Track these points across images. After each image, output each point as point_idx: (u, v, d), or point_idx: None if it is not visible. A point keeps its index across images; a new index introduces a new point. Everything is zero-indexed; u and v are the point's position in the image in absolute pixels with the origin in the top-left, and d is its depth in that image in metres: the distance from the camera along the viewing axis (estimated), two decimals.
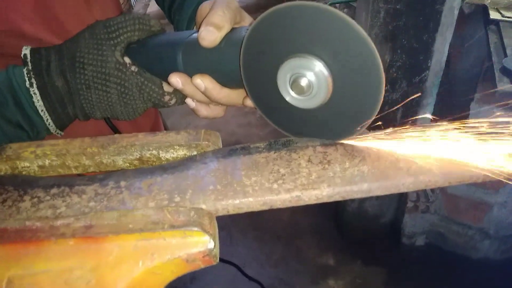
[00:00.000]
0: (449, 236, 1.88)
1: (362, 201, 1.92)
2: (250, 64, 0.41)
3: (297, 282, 1.88)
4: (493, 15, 1.50)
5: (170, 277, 0.33)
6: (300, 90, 0.37)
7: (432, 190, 1.77)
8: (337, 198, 0.36)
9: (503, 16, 1.49)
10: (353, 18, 0.55)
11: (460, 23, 1.50)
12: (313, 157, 0.39)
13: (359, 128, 0.38)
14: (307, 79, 0.36)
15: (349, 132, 0.39)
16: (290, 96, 0.38)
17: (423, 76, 1.52)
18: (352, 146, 0.40)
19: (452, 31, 1.41)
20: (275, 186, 0.37)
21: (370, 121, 0.37)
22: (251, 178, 0.38)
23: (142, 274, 0.32)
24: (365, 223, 1.98)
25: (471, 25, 1.58)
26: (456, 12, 1.35)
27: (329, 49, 0.35)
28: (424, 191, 1.80)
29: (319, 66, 0.36)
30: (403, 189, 0.36)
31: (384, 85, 0.35)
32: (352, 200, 1.92)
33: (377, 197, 1.91)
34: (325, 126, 0.41)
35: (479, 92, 1.44)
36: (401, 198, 1.88)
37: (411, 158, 0.37)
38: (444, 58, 1.48)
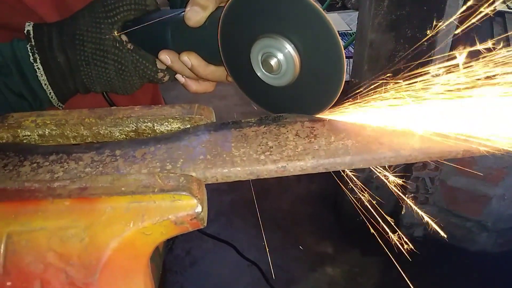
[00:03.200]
0: (447, 228, 1.89)
1: (361, 191, 1.93)
2: (227, 42, 0.43)
3: (295, 269, 1.91)
4: (499, 6, 1.49)
5: (160, 238, 0.35)
6: (269, 69, 0.40)
7: (432, 182, 1.78)
8: (321, 169, 0.37)
9: (508, 7, 1.48)
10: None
11: (465, 15, 1.49)
12: (301, 131, 0.41)
13: (325, 107, 0.41)
14: (277, 59, 0.39)
15: (318, 108, 0.42)
16: (262, 72, 0.41)
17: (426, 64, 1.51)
18: (339, 121, 0.41)
19: (456, 22, 1.40)
20: (262, 157, 0.38)
21: (334, 99, 0.40)
22: (240, 149, 0.39)
23: (133, 234, 0.34)
24: (364, 213, 2.00)
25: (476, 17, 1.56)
26: (461, 2, 1.35)
27: (298, 32, 0.38)
28: (424, 182, 1.81)
29: (288, 48, 0.38)
30: (384, 163, 0.37)
31: (344, 67, 0.38)
32: (352, 190, 1.94)
33: (377, 187, 1.92)
34: (296, 102, 0.43)
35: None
36: (400, 189, 1.89)
37: (394, 133, 0.38)
38: (448, 49, 1.48)
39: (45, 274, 0.34)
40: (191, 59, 0.47)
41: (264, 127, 0.42)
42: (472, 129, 0.36)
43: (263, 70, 0.41)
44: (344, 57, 0.37)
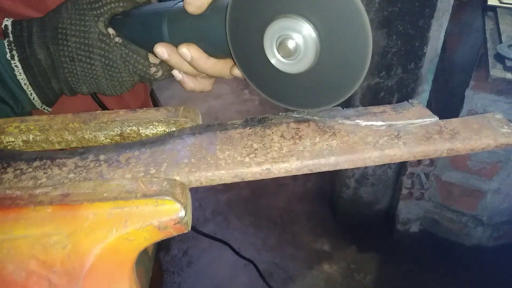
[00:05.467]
0: (443, 223, 1.90)
1: (357, 188, 1.94)
2: (236, 28, 0.40)
3: (292, 267, 1.91)
4: (491, 1, 1.49)
5: (144, 243, 0.35)
6: (286, 53, 0.36)
7: (427, 177, 1.78)
8: (305, 171, 0.37)
9: (500, 2, 1.48)
10: None
11: (458, 10, 1.49)
12: (286, 132, 0.41)
13: (345, 96, 0.38)
14: (295, 41, 0.36)
15: (336, 99, 0.39)
16: (276, 59, 0.37)
17: (419, 63, 1.51)
18: (324, 122, 0.41)
19: (448, 17, 1.40)
20: (247, 159, 0.38)
21: (356, 87, 0.37)
22: (225, 152, 0.39)
23: (116, 240, 0.34)
24: (360, 210, 2.01)
25: (468, 12, 1.57)
26: None
27: (317, 10, 0.34)
28: (419, 178, 1.82)
29: (307, 28, 0.35)
30: (369, 163, 0.37)
31: (371, 50, 0.34)
32: (348, 187, 1.94)
33: (372, 184, 1.92)
34: (313, 92, 0.40)
35: (473, 79, 1.44)
36: (396, 185, 1.90)
37: (380, 133, 0.38)
38: (440, 44, 1.48)
39: (28, 282, 0.34)
40: (190, 51, 0.44)
41: (250, 128, 0.42)
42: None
43: (279, 56, 0.37)
44: (371, 36, 0.33)
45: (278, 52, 0.37)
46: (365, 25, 0.33)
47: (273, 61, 0.38)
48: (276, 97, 0.43)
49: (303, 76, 0.38)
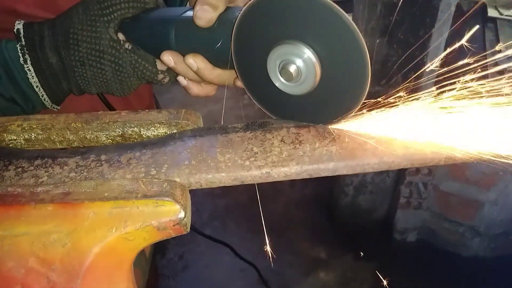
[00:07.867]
0: (440, 232, 1.89)
1: (355, 195, 1.94)
2: (241, 48, 0.42)
3: (288, 273, 1.90)
4: (491, 12, 1.50)
5: (143, 243, 0.35)
6: (289, 77, 0.38)
7: (425, 187, 1.78)
8: (305, 175, 0.37)
9: (501, 14, 1.50)
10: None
11: (458, 21, 1.51)
12: (286, 137, 0.41)
13: (346, 114, 0.40)
14: (296, 66, 0.37)
15: (337, 117, 0.41)
16: (280, 82, 0.39)
17: (419, 72, 1.52)
18: (324, 128, 0.42)
19: (448, 27, 1.41)
20: (247, 163, 0.38)
21: (356, 108, 0.39)
22: (225, 155, 0.40)
23: (115, 240, 0.34)
24: (357, 218, 2.00)
25: (469, 23, 1.58)
26: (453, 8, 1.36)
27: (317, 37, 0.36)
28: (417, 187, 1.82)
29: (307, 53, 0.37)
30: (368, 169, 0.37)
31: (370, 72, 0.36)
32: (346, 195, 1.94)
33: (371, 192, 1.93)
34: (314, 111, 0.42)
35: None
36: (394, 194, 1.90)
37: (379, 140, 0.38)
38: (440, 53, 1.49)
39: (27, 279, 0.34)
40: (197, 61, 0.45)
41: (250, 132, 0.42)
42: (455, 138, 0.36)
43: (282, 79, 0.39)
44: (369, 60, 0.35)
45: (281, 76, 0.39)
46: (363, 50, 0.35)
47: (277, 84, 0.40)
48: (278, 113, 0.45)
49: (305, 96, 0.40)
